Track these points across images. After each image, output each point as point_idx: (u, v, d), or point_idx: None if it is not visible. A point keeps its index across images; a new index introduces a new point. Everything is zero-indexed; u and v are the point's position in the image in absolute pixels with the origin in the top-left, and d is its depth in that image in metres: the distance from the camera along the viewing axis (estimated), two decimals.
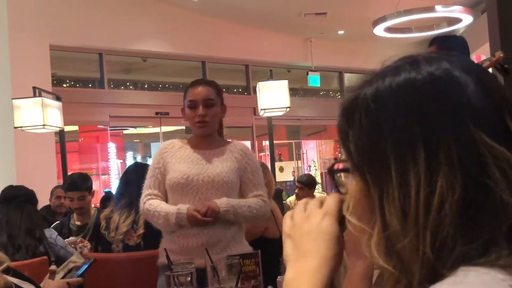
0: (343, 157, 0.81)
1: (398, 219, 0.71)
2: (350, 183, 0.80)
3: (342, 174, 0.84)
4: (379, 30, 9.77)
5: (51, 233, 3.87)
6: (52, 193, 5.88)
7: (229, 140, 3.03)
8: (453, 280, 0.66)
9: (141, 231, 3.64)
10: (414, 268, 0.70)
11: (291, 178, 13.80)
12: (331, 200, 0.89)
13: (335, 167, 0.84)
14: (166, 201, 2.91)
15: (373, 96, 0.75)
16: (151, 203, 2.86)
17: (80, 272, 2.40)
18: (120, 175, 4.26)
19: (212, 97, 2.91)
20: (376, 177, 0.74)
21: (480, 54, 10.82)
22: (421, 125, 0.71)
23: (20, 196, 3.89)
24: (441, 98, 0.71)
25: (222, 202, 2.76)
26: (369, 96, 0.75)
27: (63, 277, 2.40)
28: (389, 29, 9.89)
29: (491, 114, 0.71)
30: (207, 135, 2.94)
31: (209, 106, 2.89)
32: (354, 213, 0.80)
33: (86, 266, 2.46)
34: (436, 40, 3.70)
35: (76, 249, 4.02)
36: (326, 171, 13.47)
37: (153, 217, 2.85)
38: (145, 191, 2.92)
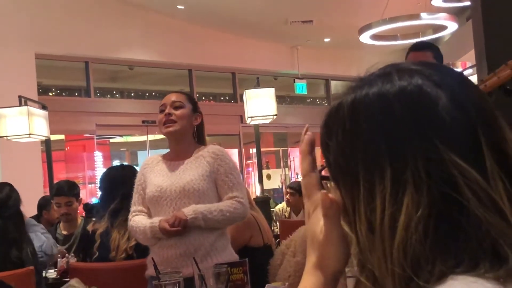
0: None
1: (366, 235, 0.71)
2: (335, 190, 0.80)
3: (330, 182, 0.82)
4: (365, 38, 9.82)
5: (41, 243, 3.79)
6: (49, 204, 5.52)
7: (204, 146, 3.00)
8: None
9: (133, 242, 3.58)
10: (386, 282, 0.69)
11: (279, 186, 13.79)
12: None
13: (323, 173, 0.83)
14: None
15: (349, 108, 0.74)
16: (134, 219, 2.92)
17: None
18: (108, 183, 3.90)
19: (180, 100, 2.96)
20: (349, 192, 0.74)
21: (466, 61, 10.90)
22: (388, 142, 0.70)
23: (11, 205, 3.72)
24: (409, 116, 0.70)
25: (189, 210, 2.76)
26: (346, 109, 0.75)
27: None
28: (375, 37, 9.94)
29: (462, 131, 0.69)
30: (176, 137, 2.94)
31: (177, 107, 2.93)
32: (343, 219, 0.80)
33: None
34: (412, 49, 3.68)
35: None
36: None
37: (135, 233, 2.93)
38: (132, 207, 2.98)
